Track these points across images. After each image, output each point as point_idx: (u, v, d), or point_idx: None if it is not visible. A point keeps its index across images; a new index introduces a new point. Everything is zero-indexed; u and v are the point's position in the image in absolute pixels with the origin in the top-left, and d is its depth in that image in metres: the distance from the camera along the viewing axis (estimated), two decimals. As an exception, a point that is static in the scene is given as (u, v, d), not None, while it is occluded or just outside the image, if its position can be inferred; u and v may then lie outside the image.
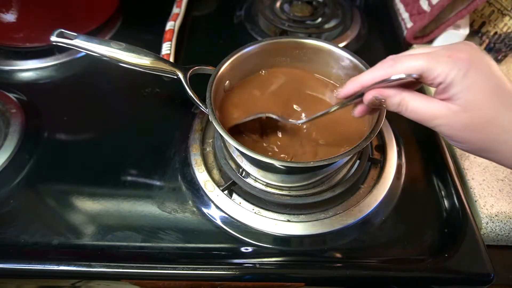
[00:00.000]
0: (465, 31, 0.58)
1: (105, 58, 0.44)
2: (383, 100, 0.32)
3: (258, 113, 0.42)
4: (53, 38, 0.44)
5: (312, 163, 0.35)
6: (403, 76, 0.30)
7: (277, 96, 0.46)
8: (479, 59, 0.28)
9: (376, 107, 0.34)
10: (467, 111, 0.28)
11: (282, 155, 0.41)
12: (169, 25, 0.61)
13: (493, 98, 0.28)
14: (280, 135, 0.43)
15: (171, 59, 0.56)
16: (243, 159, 0.42)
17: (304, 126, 0.43)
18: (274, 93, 0.46)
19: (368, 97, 0.33)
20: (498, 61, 0.59)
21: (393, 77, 0.30)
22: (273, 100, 0.45)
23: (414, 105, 0.31)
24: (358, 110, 0.36)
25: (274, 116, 0.41)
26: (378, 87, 0.32)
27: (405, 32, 0.65)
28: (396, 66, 0.30)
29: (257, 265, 0.39)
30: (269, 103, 0.45)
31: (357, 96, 0.34)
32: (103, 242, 0.40)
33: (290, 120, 0.42)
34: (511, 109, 0.28)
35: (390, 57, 0.32)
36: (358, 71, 0.43)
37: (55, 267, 0.38)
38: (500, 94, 0.28)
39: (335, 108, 0.36)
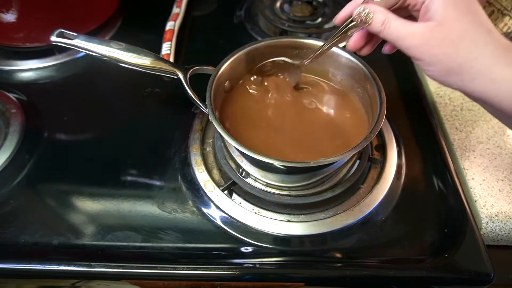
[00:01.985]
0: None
1: (105, 58, 0.44)
2: (370, 14, 0.33)
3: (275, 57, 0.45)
4: (53, 38, 0.44)
5: (312, 163, 0.35)
6: None
7: (277, 96, 0.46)
8: None
9: (362, 26, 0.35)
10: (443, 25, 0.30)
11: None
12: (169, 25, 0.61)
13: (468, 14, 0.30)
14: (279, 135, 0.43)
15: (171, 59, 0.56)
16: (243, 159, 0.42)
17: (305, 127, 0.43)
18: (274, 93, 0.46)
19: (356, 10, 0.34)
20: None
21: None
22: (274, 100, 0.46)
23: (396, 24, 0.32)
24: (352, 39, 0.37)
25: (286, 60, 0.45)
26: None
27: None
28: None
29: (257, 265, 0.39)
30: (270, 102, 0.45)
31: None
32: (103, 242, 0.40)
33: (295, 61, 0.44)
34: (483, 27, 0.30)
35: None
36: (358, 71, 0.43)
37: (55, 267, 0.38)
38: (475, 12, 0.30)
39: (334, 38, 0.38)
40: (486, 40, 0.29)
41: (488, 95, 0.30)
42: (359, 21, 0.34)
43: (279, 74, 0.47)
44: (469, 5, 0.30)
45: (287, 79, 0.46)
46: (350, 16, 0.35)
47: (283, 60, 0.45)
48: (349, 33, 0.37)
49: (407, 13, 0.34)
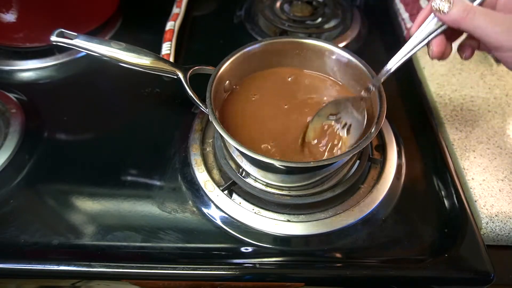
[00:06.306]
0: (465, 31, 0.58)
1: (105, 58, 0.44)
2: (449, 3, 0.32)
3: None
4: (53, 38, 0.44)
5: (312, 163, 0.35)
6: None
7: (277, 96, 0.46)
8: None
9: (441, 15, 0.33)
10: None
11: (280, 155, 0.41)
12: (169, 25, 0.61)
13: None
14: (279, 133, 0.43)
15: (171, 59, 0.56)
16: (243, 159, 0.42)
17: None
18: (274, 93, 0.46)
19: (433, 3, 0.33)
20: (498, 61, 0.59)
21: None
22: (274, 100, 0.46)
23: (480, 12, 0.31)
24: (433, 46, 0.36)
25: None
26: None
27: (405, 32, 0.65)
28: None
29: (257, 265, 0.39)
30: (270, 102, 0.45)
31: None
32: (103, 242, 0.40)
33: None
34: None
35: None
36: (358, 71, 0.43)
37: (55, 267, 0.38)
38: None
39: (412, 46, 0.36)
40: None
41: None
42: (437, 10, 0.33)
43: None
44: None
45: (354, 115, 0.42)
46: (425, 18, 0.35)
47: (360, 97, 0.41)
48: (427, 39, 0.36)
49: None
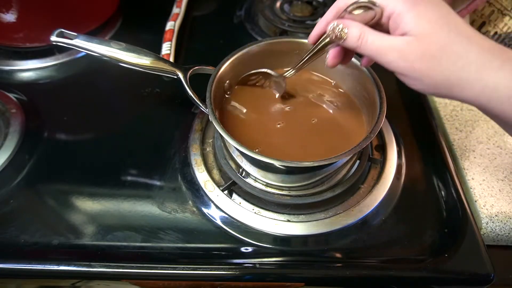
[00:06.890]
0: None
1: (105, 58, 0.44)
2: (345, 31, 0.32)
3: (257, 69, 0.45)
4: (53, 38, 0.44)
5: (312, 163, 0.35)
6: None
7: (278, 96, 0.46)
8: None
9: (337, 42, 0.34)
10: (420, 39, 0.29)
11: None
12: (169, 25, 0.61)
13: (444, 25, 0.29)
14: (279, 134, 0.43)
15: (171, 59, 0.56)
16: (243, 159, 0.42)
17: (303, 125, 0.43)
18: (274, 93, 0.46)
19: (330, 25, 0.33)
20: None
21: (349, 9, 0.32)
22: (274, 100, 0.46)
23: (372, 38, 0.31)
24: (329, 56, 0.37)
25: (269, 71, 0.44)
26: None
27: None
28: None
29: (257, 265, 0.39)
30: (270, 102, 0.45)
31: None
32: (103, 242, 0.40)
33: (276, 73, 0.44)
34: (462, 36, 0.29)
35: None
36: (358, 71, 0.43)
37: (55, 267, 0.38)
38: (450, 22, 0.29)
39: (310, 55, 0.38)
40: (468, 48, 0.28)
41: (481, 102, 0.29)
42: (333, 37, 0.33)
43: (265, 86, 0.46)
44: (444, 16, 0.29)
45: (273, 91, 0.46)
46: (324, 33, 0.35)
47: (266, 72, 0.44)
48: (326, 49, 0.36)
49: (386, 28, 0.33)
